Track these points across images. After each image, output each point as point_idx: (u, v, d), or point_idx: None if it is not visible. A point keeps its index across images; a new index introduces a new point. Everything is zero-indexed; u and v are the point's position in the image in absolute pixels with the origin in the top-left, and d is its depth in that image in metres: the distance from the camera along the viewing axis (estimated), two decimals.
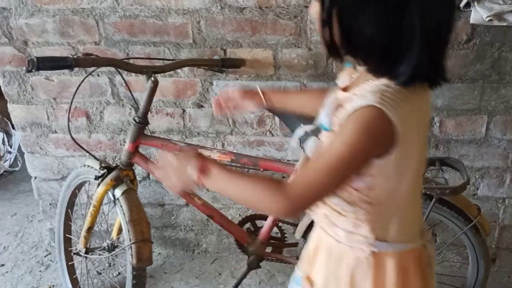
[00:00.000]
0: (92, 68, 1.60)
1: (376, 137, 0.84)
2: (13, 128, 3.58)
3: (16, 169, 3.45)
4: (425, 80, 0.87)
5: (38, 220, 2.75)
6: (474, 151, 1.93)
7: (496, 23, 1.59)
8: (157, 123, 2.06)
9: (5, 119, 3.69)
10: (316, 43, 1.79)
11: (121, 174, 1.72)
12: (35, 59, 1.37)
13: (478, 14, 1.59)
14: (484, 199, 2.03)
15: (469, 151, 1.94)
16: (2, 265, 2.40)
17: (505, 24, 1.62)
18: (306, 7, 1.73)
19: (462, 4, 1.64)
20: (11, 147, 3.56)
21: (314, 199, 0.92)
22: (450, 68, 1.74)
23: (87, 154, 1.80)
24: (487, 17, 1.57)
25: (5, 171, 3.40)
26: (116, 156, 2.18)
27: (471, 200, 1.71)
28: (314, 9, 0.89)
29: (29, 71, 1.38)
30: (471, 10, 1.62)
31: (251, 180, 0.95)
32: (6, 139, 3.59)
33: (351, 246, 1.00)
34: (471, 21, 1.63)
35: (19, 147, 3.37)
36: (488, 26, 1.67)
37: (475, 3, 1.59)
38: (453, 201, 1.59)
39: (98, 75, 1.99)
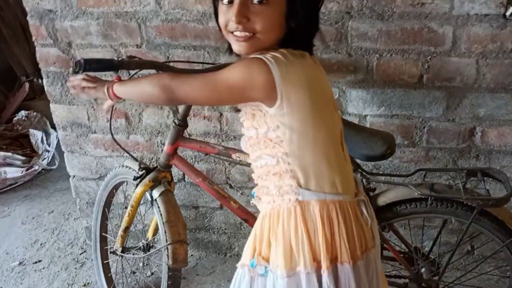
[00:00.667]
0: (135, 70, 1.63)
1: (254, 78, 1.04)
2: (52, 127, 3.68)
3: (54, 167, 3.53)
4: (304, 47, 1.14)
5: (74, 218, 2.81)
6: None
7: None
8: (194, 126, 2.08)
9: (44, 118, 3.81)
10: (356, 49, 1.78)
11: (159, 176, 1.74)
12: (82, 60, 1.39)
13: None
14: None
15: (511, 162, 1.89)
16: (39, 261, 2.46)
17: None
18: (348, 13, 1.73)
19: (508, 13, 1.60)
20: (49, 146, 3.66)
21: (190, 97, 1.16)
22: (494, 77, 1.73)
23: (125, 155, 1.83)
24: None
25: (43, 169, 3.49)
26: (153, 158, 2.21)
27: None
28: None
29: (76, 72, 1.41)
30: None
31: (148, 76, 1.28)
32: (44, 138, 3.69)
33: (282, 198, 1.14)
34: None
35: (57, 146, 3.47)
36: None
37: None
38: (495, 213, 1.56)
39: None
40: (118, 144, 1.77)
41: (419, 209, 1.61)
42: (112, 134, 1.74)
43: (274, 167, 1.15)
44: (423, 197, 1.54)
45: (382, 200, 1.62)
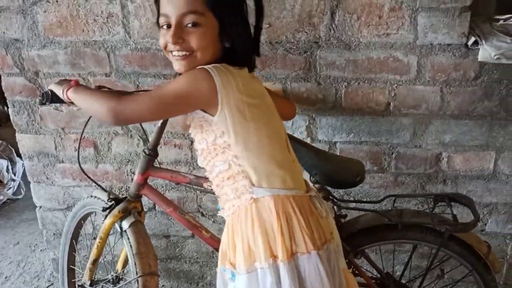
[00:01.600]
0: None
1: (198, 84, 1.14)
2: (17, 155, 3.59)
3: (19, 197, 3.44)
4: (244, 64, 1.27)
5: (41, 250, 2.73)
6: (482, 187, 1.93)
7: (504, 61, 1.61)
8: (165, 154, 2.06)
9: (9, 146, 3.71)
10: (325, 78, 1.81)
11: (128, 206, 1.71)
12: (49, 92, 1.38)
13: (486, 52, 1.61)
14: (492, 235, 2.02)
15: (477, 186, 1.93)
16: None
17: None
18: (316, 42, 1.76)
19: (470, 43, 1.66)
20: (14, 175, 3.56)
21: (137, 114, 1.20)
22: (458, 104, 1.78)
23: (94, 184, 1.79)
24: (495, 55, 1.59)
25: (8, 199, 3.39)
26: (122, 187, 2.17)
27: (479, 236, 1.70)
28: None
29: (42, 103, 1.39)
30: (479, 49, 1.64)
31: (100, 91, 1.34)
32: (10, 167, 3.59)
33: (240, 200, 1.24)
34: (479, 59, 1.65)
35: (23, 175, 3.38)
36: (496, 64, 1.69)
37: (483, 42, 1.62)
38: (463, 237, 1.59)
39: None
40: (86, 175, 1.74)
41: (390, 235, 1.63)
42: (80, 164, 1.71)
43: (227, 172, 1.24)
44: (392, 223, 1.56)
45: (353, 227, 1.63)
